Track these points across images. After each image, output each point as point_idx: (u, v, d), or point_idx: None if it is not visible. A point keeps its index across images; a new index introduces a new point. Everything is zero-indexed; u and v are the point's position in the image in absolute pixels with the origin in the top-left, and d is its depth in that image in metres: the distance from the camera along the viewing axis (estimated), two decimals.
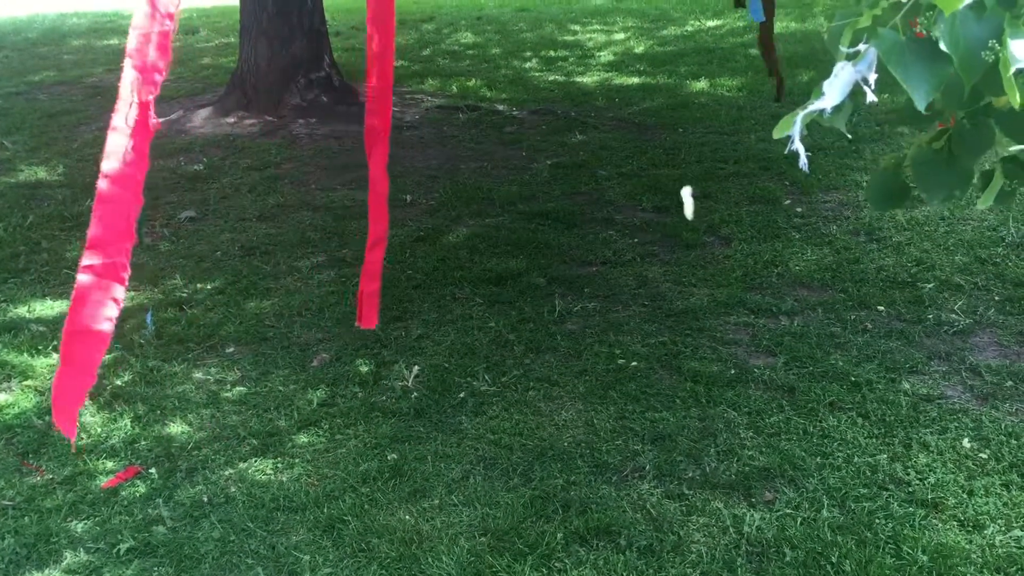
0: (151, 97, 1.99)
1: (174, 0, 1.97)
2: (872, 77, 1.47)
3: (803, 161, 1.61)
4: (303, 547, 2.86)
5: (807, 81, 8.14)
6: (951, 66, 1.37)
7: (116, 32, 12.21)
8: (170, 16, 1.99)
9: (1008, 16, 1.31)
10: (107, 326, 2.07)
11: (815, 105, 1.50)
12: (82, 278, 2.03)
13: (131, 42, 1.98)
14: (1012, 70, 1.31)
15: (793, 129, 1.54)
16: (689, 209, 2.26)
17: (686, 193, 2.21)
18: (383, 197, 2.54)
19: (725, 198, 5.57)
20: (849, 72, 1.47)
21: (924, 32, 1.47)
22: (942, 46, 1.36)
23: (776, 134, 1.59)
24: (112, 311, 2.07)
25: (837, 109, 1.51)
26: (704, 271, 4.62)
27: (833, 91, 1.48)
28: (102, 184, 2.00)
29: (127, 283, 2.11)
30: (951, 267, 4.49)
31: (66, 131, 7.56)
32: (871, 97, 1.48)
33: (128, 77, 1.97)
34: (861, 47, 1.46)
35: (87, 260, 2.02)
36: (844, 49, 1.49)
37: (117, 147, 1.98)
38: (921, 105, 1.39)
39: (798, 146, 1.54)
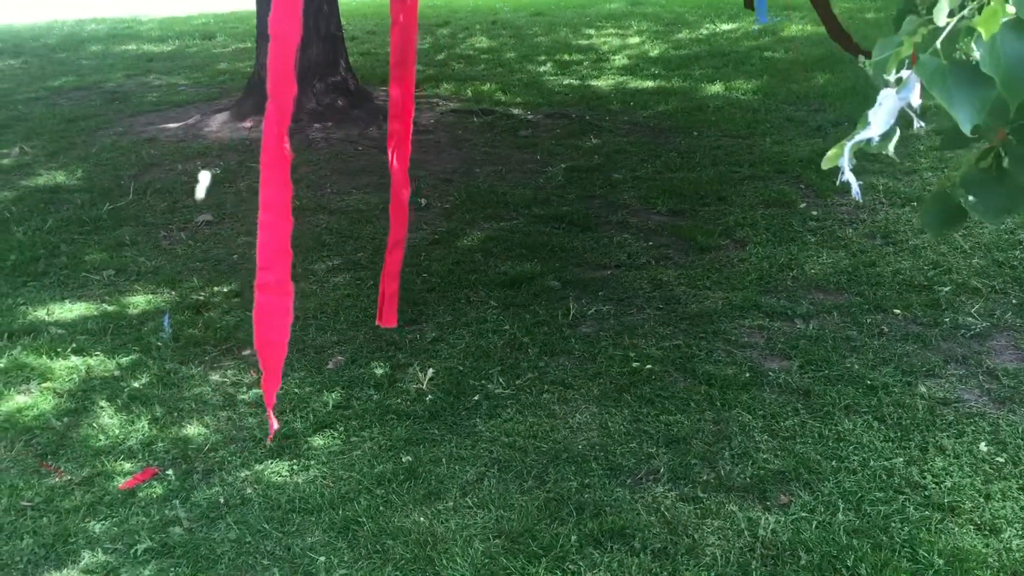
0: (286, 129, 2.19)
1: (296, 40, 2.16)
2: (917, 103, 1.49)
3: (855, 191, 1.63)
4: (318, 548, 2.87)
5: (823, 83, 8.12)
6: (994, 88, 1.37)
7: (134, 38, 12.31)
8: (292, 52, 2.18)
9: None
10: (285, 336, 2.33)
11: (862, 135, 1.51)
12: (260, 297, 2.33)
13: (269, 77, 2.17)
14: None
15: (842, 160, 1.56)
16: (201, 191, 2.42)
17: None
18: (404, 200, 2.63)
19: (740, 201, 5.56)
20: (893, 100, 1.48)
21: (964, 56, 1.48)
22: (983, 68, 1.36)
23: (825, 165, 1.61)
24: (287, 322, 2.37)
25: (884, 136, 1.52)
26: (719, 274, 4.61)
27: (879, 119, 1.50)
28: (261, 215, 2.28)
29: (293, 297, 2.38)
30: (968, 270, 4.47)
31: (85, 136, 7.62)
32: (917, 123, 1.50)
33: (271, 112, 2.18)
34: (904, 74, 1.47)
35: (261, 280, 2.27)
36: (888, 77, 1.50)
37: (266, 177, 2.20)
38: (966, 128, 1.39)
39: (849, 176, 1.56)
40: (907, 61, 1.49)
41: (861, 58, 1.60)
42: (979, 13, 1.37)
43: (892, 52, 1.50)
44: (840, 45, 5.23)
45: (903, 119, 1.52)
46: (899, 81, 1.49)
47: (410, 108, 2.50)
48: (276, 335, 2.34)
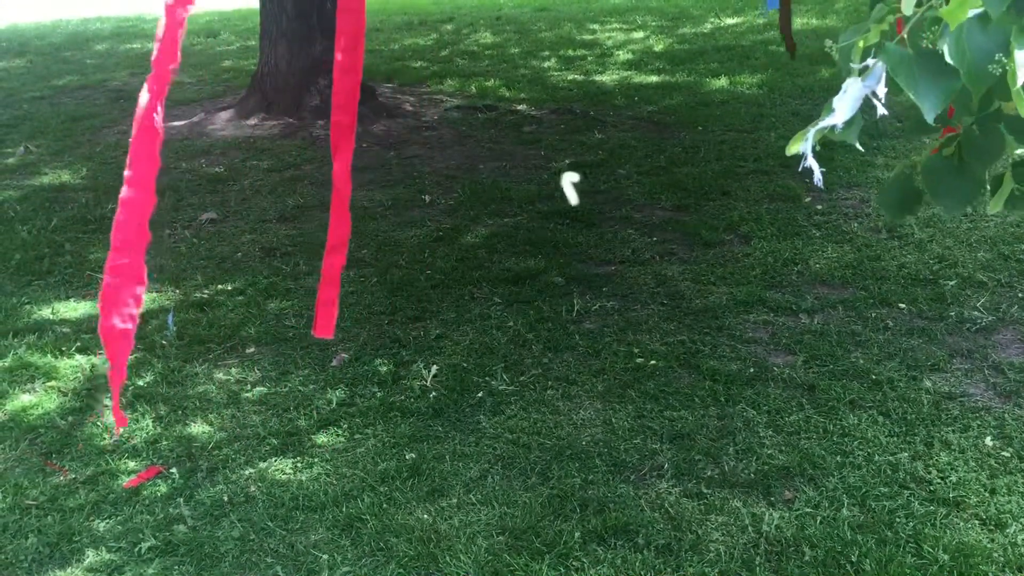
0: (159, 102, 2.04)
1: (186, 9, 2.01)
2: (881, 91, 1.48)
3: (817, 177, 1.63)
4: (322, 546, 2.87)
5: (827, 78, 8.09)
6: (959, 79, 1.37)
7: (139, 36, 12.32)
8: (181, 23, 2.03)
9: (1015, 28, 1.30)
10: (132, 325, 2.14)
11: (826, 121, 1.52)
12: (109, 280, 2.10)
13: (153, 51, 2.04)
14: (1020, 82, 1.30)
15: (805, 146, 1.56)
16: (571, 194, 2.25)
17: (567, 181, 2.18)
18: (346, 198, 2.47)
19: (745, 196, 5.54)
20: (858, 87, 1.48)
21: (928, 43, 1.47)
22: (948, 59, 1.36)
23: (789, 151, 1.61)
24: (135, 310, 2.14)
25: (848, 124, 1.52)
26: (723, 269, 4.60)
27: (843, 107, 1.50)
28: (123, 189, 2.06)
29: (145, 283, 2.17)
30: (973, 264, 4.45)
31: (89, 135, 7.64)
32: (881, 111, 1.49)
33: (146, 85, 2.03)
34: (869, 62, 1.47)
35: (112, 262, 2.09)
36: (854, 65, 1.49)
37: (132, 151, 2.05)
38: (929, 118, 1.39)
39: (811, 162, 1.56)
40: (873, 49, 1.49)
41: (828, 42, 1.60)
42: (946, 3, 1.37)
43: (857, 40, 1.50)
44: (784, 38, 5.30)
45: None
46: (864, 69, 1.48)
47: (356, 98, 2.37)
48: (122, 322, 2.14)
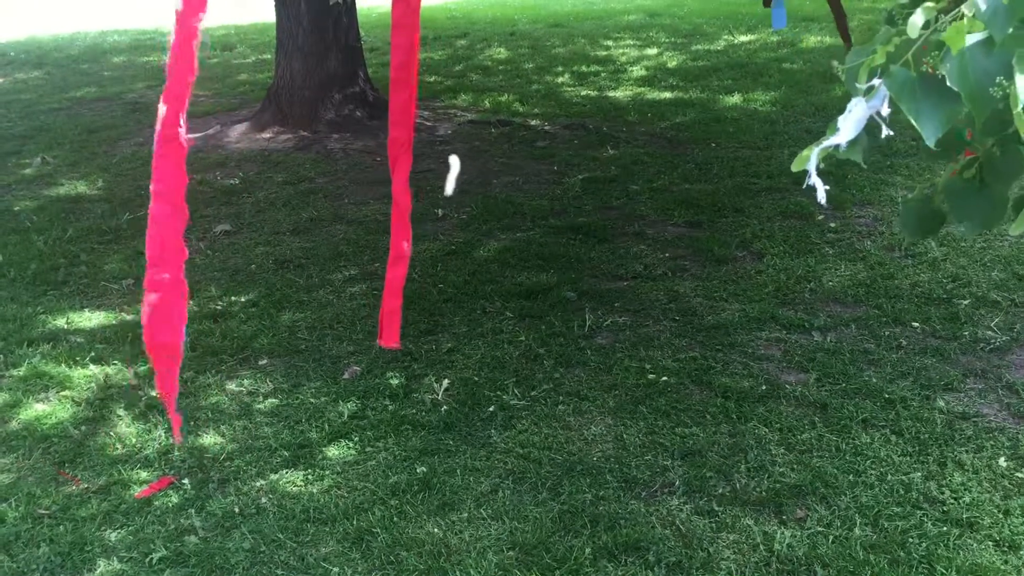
0: (182, 115, 2.04)
1: (198, 18, 2.01)
2: (886, 112, 1.50)
3: (821, 195, 1.65)
4: (332, 559, 2.87)
5: (841, 96, 8.08)
6: (961, 103, 1.38)
7: (156, 49, 12.43)
8: (194, 33, 2.02)
9: (1019, 52, 1.31)
10: (179, 339, 2.17)
11: (830, 140, 1.53)
12: (151, 296, 2.11)
13: (168, 63, 2.03)
14: (1021, 105, 1.31)
15: (809, 164, 1.57)
16: (450, 184, 2.21)
17: (453, 166, 2.15)
18: (406, 212, 2.51)
19: (758, 213, 5.54)
20: (863, 108, 1.50)
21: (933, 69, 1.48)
22: (950, 83, 1.36)
23: (794, 168, 1.63)
24: (181, 323, 2.17)
25: (852, 143, 1.53)
26: (736, 286, 4.60)
27: (847, 126, 1.51)
28: (152, 205, 2.08)
29: (187, 297, 2.19)
30: (988, 283, 4.43)
31: (106, 146, 7.70)
32: (886, 131, 1.50)
33: (166, 98, 2.03)
34: (875, 82, 1.48)
35: (152, 277, 2.10)
36: (859, 86, 1.51)
37: (159, 167, 2.06)
38: (930, 141, 1.40)
39: (815, 180, 1.57)
40: (879, 70, 1.50)
41: (835, 63, 1.61)
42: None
43: (864, 61, 1.51)
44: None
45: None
46: (870, 89, 1.49)
47: (413, 114, 2.40)
48: (169, 337, 2.15)
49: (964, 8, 1.36)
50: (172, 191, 2.08)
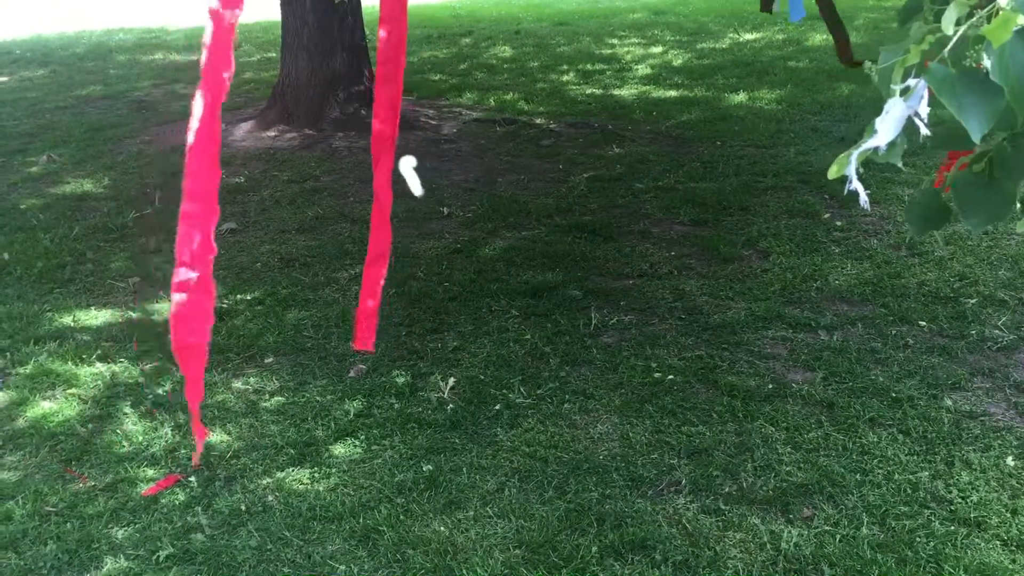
0: (217, 111, 2.00)
1: (235, 13, 1.97)
2: (924, 111, 1.47)
3: (863, 200, 1.61)
4: (338, 557, 2.88)
5: (847, 94, 8.07)
6: (1004, 97, 1.36)
7: (161, 47, 12.44)
8: (231, 28, 1.99)
9: None
10: (205, 340, 2.13)
11: (869, 143, 1.49)
12: (178, 296, 2.07)
13: (202, 58, 1.98)
14: None
15: (848, 169, 1.53)
16: (414, 185, 2.12)
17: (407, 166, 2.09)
18: (387, 209, 2.44)
19: (763, 211, 5.53)
20: (901, 108, 1.46)
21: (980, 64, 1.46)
22: (993, 77, 1.35)
23: (831, 175, 1.58)
24: (208, 324, 2.13)
25: (891, 145, 1.50)
26: (742, 285, 4.59)
27: (886, 128, 1.47)
28: (184, 203, 2.04)
29: (214, 297, 2.14)
30: (995, 282, 4.42)
31: (112, 144, 7.71)
32: (924, 131, 1.47)
33: (200, 94, 1.98)
34: (911, 82, 1.46)
35: (179, 277, 2.06)
36: (895, 86, 1.48)
37: (192, 164, 2.02)
38: (976, 137, 1.38)
39: (856, 185, 1.54)
40: (913, 69, 1.48)
41: (868, 64, 1.59)
42: (988, 21, 1.36)
43: (897, 60, 1.49)
44: (841, 57, 5.23)
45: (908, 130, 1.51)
46: (906, 90, 1.47)
47: (397, 110, 2.35)
48: (197, 338, 2.11)
49: (1001, 1, 1.34)
50: (205, 189, 2.05)
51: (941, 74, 1.41)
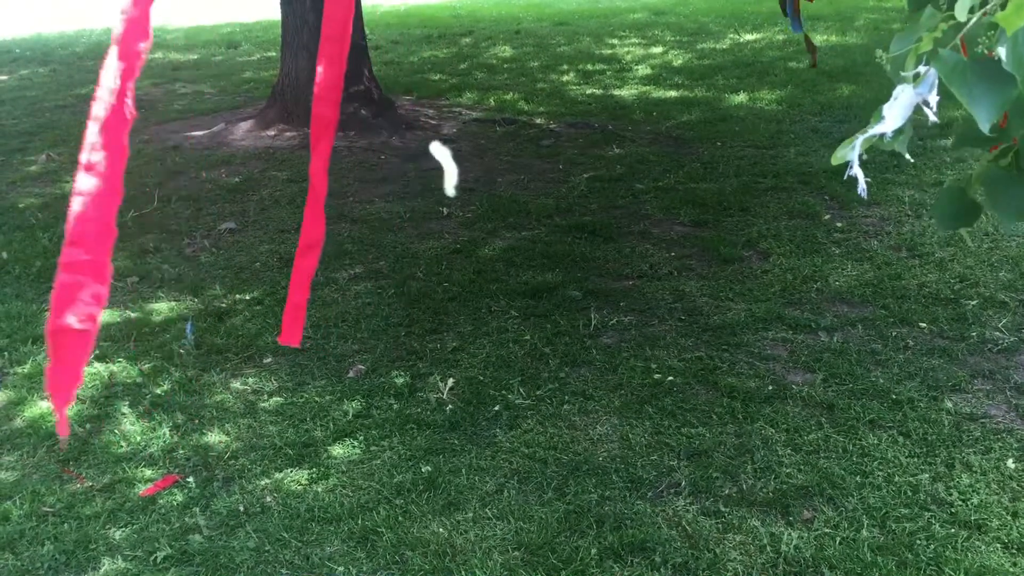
0: (130, 83, 1.89)
1: None
2: (933, 99, 1.43)
3: (862, 187, 1.57)
4: (337, 558, 2.87)
5: (847, 95, 8.06)
6: (1016, 86, 1.33)
7: (160, 47, 12.43)
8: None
9: None
10: (91, 326, 1.97)
11: (875, 129, 1.45)
12: (64, 277, 1.94)
13: (116, 28, 1.89)
14: None
15: (851, 155, 1.50)
16: (449, 175, 1.98)
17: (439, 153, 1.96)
18: (321, 197, 2.31)
19: (764, 212, 5.52)
20: (910, 94, 1.42)
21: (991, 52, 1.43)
22: (1005, 66, 1.32)
23: (834, 161, 1.55)
24: (95, 310, 1.98)
25: (898, 132, 1.46)
26: (742, 286, 4.58)
27: (893, 114, 1.43)
28: (80, 177, 1.90)
29: (109, 282, 2.00)
30: (995, 284, 4.41)
31: None
32: (932, 118, 1.44)
33: (112, 64, 1.88)
34: (921, 69, 1.43)
35: (67, 257, 1.92)
36: (906, 74, 1.45)
37: (94, 137, 1.88)
38: (985, 127, 1.35)
39: (857, 171, 1.51)
40: (925, 56, 1.45)
41: (879, 52, 1.56)
42: (1002, 8, 1.33)
43: (910, 48, 1.46)
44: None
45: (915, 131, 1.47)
46: (916, 76, 1.44)
47: (339, 90, 2.25)
48: (79, 322, 1.99)
49: None
50: (109, 165, 1.91)
51: (952, 61, 1.37)
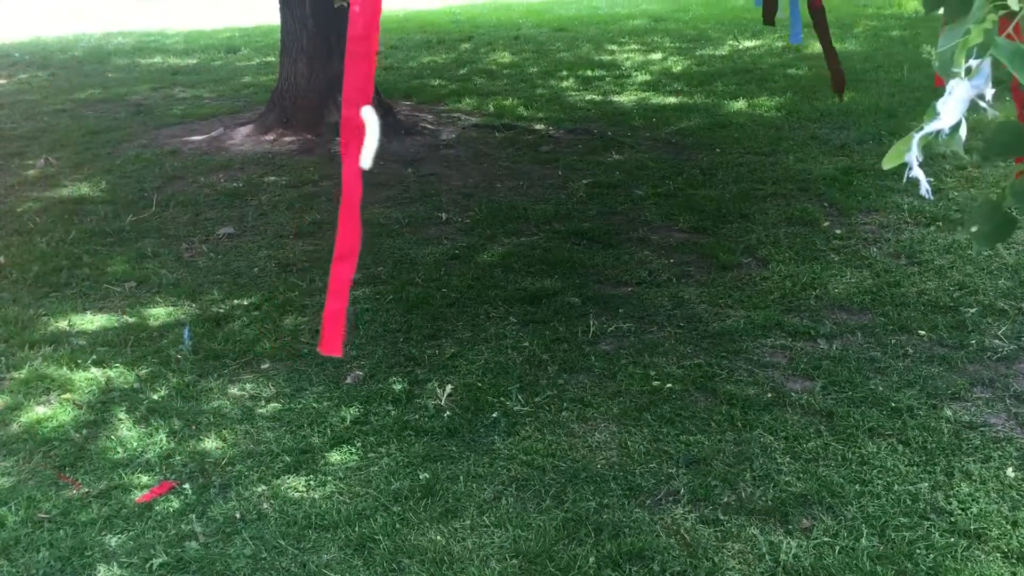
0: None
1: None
2: (988, 92, 1.38)
3: (924, 187, 1.50)
4: (334, 565, 2.85)
5: (847, 102, 8.06)
6: None
7: (159, 51, 12.43)
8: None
9: None
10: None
11: (931, 126, 1.39)
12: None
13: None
14: None
15: (909, 155, 1.43)
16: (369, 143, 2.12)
17: None
18: (356, 203, 2.31)
19: (763, 219, 5.52)
20: (965, 88, 1.37)
21: None
22: None
23: (886, 163, 1.47)
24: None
25: (953, 129, 1.40)
26: (741, 293, 4.57)
27: (949, 110, 1.38)
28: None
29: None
30: (995, 291, 4.40)
31: (109, 148, 7.69)
32: (991, 113, 1.38)
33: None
34: (973, 63, 1.38)
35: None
36: (958, 69, 1.39)
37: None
38: None
39: (917, 172, 1.43)
40: (975, 50, 1.41)
41: (927, 47, 1.52)
42: None
43: (959, 41, 1.39)
44: (832, 77, 5.22)
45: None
46: (968, 71, 1.38)
47: (369, 91, 2.24)
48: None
49: None
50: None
51: (1011, 47, 1.32)
